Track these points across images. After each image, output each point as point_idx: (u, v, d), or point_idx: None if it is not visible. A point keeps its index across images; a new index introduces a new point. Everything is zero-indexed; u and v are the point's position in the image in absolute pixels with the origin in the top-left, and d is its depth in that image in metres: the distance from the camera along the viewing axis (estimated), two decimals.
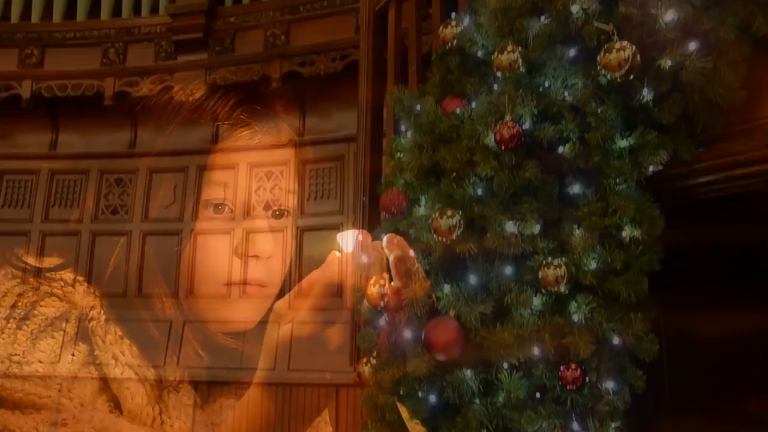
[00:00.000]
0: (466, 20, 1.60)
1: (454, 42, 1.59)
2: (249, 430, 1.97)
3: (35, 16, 4.93)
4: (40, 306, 4.91)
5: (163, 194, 4.77)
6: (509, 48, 1.41)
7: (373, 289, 1.44)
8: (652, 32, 1.32)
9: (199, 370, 4.33)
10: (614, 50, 1.26)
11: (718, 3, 1.30)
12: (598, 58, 1.29)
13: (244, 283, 4.35)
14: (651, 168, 1.35)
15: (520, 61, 1.40)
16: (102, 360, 4.70)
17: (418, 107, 1.55)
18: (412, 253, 1.44)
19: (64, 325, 4.80)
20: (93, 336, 4.74)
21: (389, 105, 2.08)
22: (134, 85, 4.66)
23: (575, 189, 1.34)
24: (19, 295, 4.92)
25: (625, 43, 1.26)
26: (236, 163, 4.68)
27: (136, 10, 4.85)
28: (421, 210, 1.45)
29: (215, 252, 4.55)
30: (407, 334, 1.37)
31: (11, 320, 4.84)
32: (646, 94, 1.32)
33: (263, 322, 3.94)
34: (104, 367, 4.69)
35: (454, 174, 1.41)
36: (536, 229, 1.33)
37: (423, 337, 1.32)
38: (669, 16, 1.29)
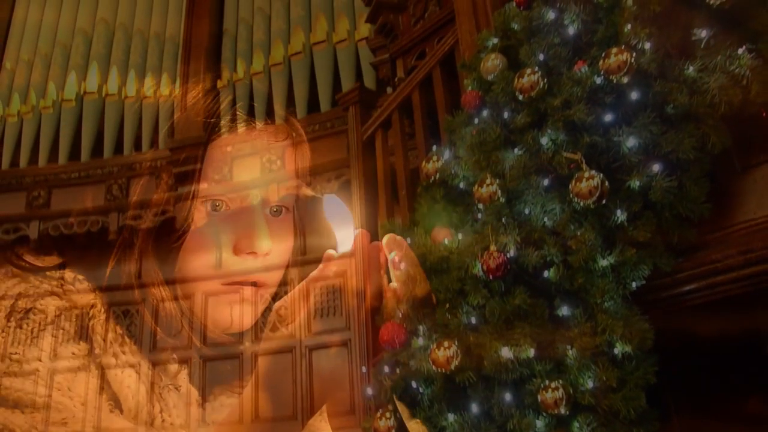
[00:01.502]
0: (447, 154, 1.72)
1: (437, 175, 1.70)
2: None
3: (42, 161, 5.15)
4: (40, 304, 4.91)
5: (171, 323, 4.82)
6: (488, 181, 1.51)
7: (379, 423, 1.47)
8: (618, 157, 1.43)
9: None
10: (584, 179, 1.36)
11: (674, 126, 1.41)
12: (570, 187, 1.38)
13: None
14: (634, 284, 1.42)
15: (499, 192, 1.50)
16: (102, 358, 4.67)
17: (409, 240, 1.64)
18: (412, 253, 1.48)
19: (64, 323, 4.78)
20: (93, 334, 4.70)
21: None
22: (138, 218, 4.80)
23: (564, 311, 1.40)
24: (19, 293, 4.92)
25: (593, 172, 1.36)
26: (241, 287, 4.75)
27: (137, 146, 5.07)
28: (419, 341, 1.50)
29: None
30: None
31: (11, 318, 4.82)
32: (620, 215, 1.40)
33: None
34: (104, 366, 4.65)
35: (448, 304, 1.48)
36: (531, 352, 1.38)
37: None
38: (631, 142, 1.40)
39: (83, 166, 5.06)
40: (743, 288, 1.45)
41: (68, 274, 4.95)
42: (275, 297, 4.64)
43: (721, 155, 1.45)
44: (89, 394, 4.46)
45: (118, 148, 5.09)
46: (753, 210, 1.46)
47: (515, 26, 1.64)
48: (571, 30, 1.50)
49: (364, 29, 4.42)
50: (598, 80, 1.43)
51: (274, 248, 4.70)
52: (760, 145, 1.46)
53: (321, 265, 1.88)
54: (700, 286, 1.47)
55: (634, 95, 1.40)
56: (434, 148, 1.82)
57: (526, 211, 1.49)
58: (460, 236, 1.57)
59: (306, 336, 4.33)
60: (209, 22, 5.15)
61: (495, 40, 1.71)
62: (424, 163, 1.74)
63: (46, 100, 5.25)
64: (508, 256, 1.44)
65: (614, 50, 1.39)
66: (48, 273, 4.95)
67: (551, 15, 1.54)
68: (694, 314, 1.55)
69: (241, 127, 4.78)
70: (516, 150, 1.53)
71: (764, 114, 1.39)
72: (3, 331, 4.68)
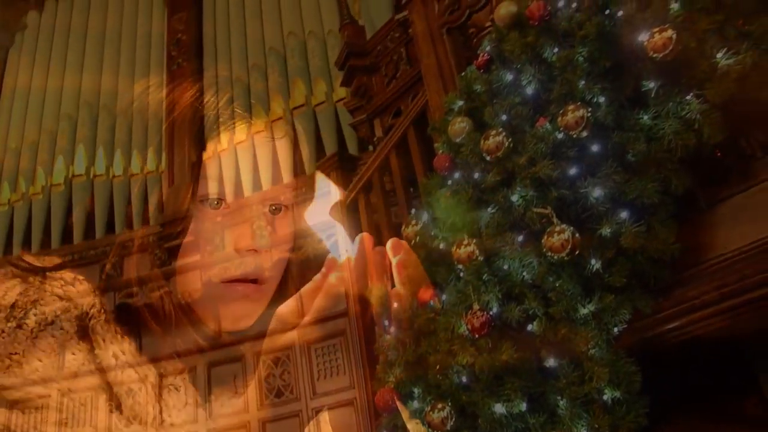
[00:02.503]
0: (425, 216, 1.77)
1: (417, 238, 1.75)
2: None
3: (35, 246, 5.20)
4: (41, 305, 4.85)
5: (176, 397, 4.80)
6: (465, 241, 1.56)
7: None
8: (587, 207, 1.49)
9: None
10: (555, 234, 1.42)
11: (636, 173, 1.47)
12: (543, 242, 1.44)
13: None
14: (616, 328, 1.46)
15: (476, 251, 1.55)
16: (102, 359, 4.60)
17: (396, 304, 1.68)
18: (415, 256, 1.50)
19: (64, 323, 4.72)
20: (93, 335, 4.65)
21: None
22: (133, 295, 4.83)
23: (551, 362, 1.44)
24: (20, 293, 4.86)
25: (563, 225, 1.42)
26: (242, 354, 4.75)
27: (128, 224, 5.13)
28: (414, 404, 1.53)
29: None
30: None
31: (11, 319, 4.76)
32: (595, 263, 1.45)
33: None
34: (104, 366, 4.59)
35: (438, 366, 1.51)
36: (523, 406, 1.41)
37: None
38: (597, 192, 1.46)
39: (76, 248, 5.10)
40: (722, 321, 1.50)
41: (68, 275, 4.92)
42: (277, 362, 4.64)
43: (687, 194, 1.52)
44: (89, 394, 4.39)
45: (110, 227, 5.15)
46: (723, 245, 1.51)
47: (477, 88, 1.72)
48: (529, 90, 1.58)
49: (342, 90, 4.54)
50: (560, 136, 1.50)
51: (273, 246, 4.71)
52: (720, 183, 1.52)
53: (323, 270, 1.88)
54: (681, 324, 1.51)
55: (594, 147, 1.46)
56: (413, 210, 1.88)
57: (505, 267, 1.54)
58: (444, 296, 1.61)
59: (311, 398, 4.32)
60: (190, 94, 5.27)
61: (460, 103, 1.79)
62: (403, 227, 1.80)
63: (35, 186, 5.32)
64: (491, 313, 1.48)
65: (571, 107, 1.46)
66: (48, 273, 4.92)
67: (509, 77, 1.62)
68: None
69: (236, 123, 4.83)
70: (489, 209, 1.59)
71: (718, 154, 1.46)
72: (3, 332, 4.62)
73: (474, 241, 1.56)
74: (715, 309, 1.47)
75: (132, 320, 5.04)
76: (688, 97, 1.42)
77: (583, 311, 1.46)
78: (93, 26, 5.63)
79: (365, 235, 1.92)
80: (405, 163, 2.43)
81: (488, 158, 1.57)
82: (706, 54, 1.39)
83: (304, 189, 4.54)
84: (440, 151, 1.78)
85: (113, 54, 5.59)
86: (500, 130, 1.57)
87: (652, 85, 1.43)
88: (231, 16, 5.34)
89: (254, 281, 4.90)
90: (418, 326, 1.60)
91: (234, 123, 5.08)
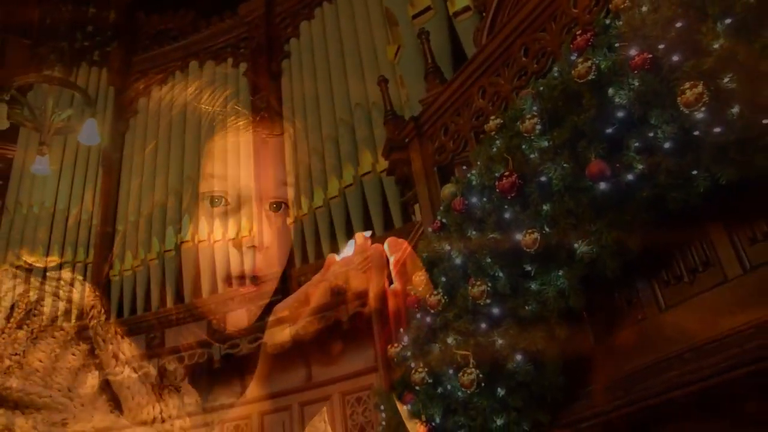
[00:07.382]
0: (405, 339, 2.53)
1: (395, 359, 2.51)
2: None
3: (154, 305, 6.36)
4: (41, 305, 5.31)
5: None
6: (420, 368, 2.31)
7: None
8: (495, 351, 2.18)
9: None
10: (466, 374, 2.13)
11: (530, 324, 2.15)
12: (459, 377, 2.15)
13: None
14: None
15: (426, 377, 2.29)
16: (102, 359, 4.96)
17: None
18: (414, 254, 1.97)
19: (64, 324, 5.15)
20: (93, 335, 5.09)
21: None
22: (236, 346, 5.86)
23: None
24: (20, 294, 5.39)
25: (471, 369, 2.13)
26: (330, 394, 5.64)
27: (228, 283, 6.18)
28: None
29: None
30: None
31: (12, 319, 5.21)
32: (500, 391, 2.15)
33: None
34: (104, 367, 4.94)
35: None
36: None
37: None
38: (499, 341, 2.16)
39: (187, 307, 6.22)
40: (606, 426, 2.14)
41: (67, 275, 5.58)
42: (359, 401, 5.46)
43: (579, 334, 2.17)
44: (89, 394, 4.95)
45: (213, 287, 6.22)
46: (607, 375, 2.14)
47: (432, 248, 2.45)
48: (458, 261, 2.29)
49: None
50: None
51: (273, 243, 5.39)
52: (600, 325, 2.16)
53: (322, 270, 2.36)
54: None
55: (495, 310, 2.16)
56: (400, 331, 2.63)
57: (449, 387, 2.27)
58: (409, 406, 2.37)
59: None
60: (274, 165, 6.26)
61: (425, 254, 2.52)
62: (388, 347, 2.56)
63: (151, 253, 6.50)
64: (433, 423, 2.22)
65: (478, 282, 2.17)
66: (48, 274, 5.60)
67: (447, 246, 2.35)
68: None
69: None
70: (437, 345, 2.32)
71: (585, 314, 2.11)
72: (4, 332, 5.21)
73: (426, 369, 2.30)
74: (593, 423, 2.13)
75: (235, 367, 6.06)
76: (560, 273, 2.09)
77: (498, 423, 2.16)
78: (190, 111, 6.75)
79: (361, 234, 2.42)
80: None
81: (431, 311, 2.31)
82: (566, 246, 2.05)
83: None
84: (412, 293, 2.52)
85: (209, 136, 6.67)
86: (439, 290, 2.30)
87: (529, 268, 2.10)
88: (306, 96, 6.27)
89: (254, 278, 5.56)
90: (395, 426, 2.36)
91: (312, 190, 6.00)
